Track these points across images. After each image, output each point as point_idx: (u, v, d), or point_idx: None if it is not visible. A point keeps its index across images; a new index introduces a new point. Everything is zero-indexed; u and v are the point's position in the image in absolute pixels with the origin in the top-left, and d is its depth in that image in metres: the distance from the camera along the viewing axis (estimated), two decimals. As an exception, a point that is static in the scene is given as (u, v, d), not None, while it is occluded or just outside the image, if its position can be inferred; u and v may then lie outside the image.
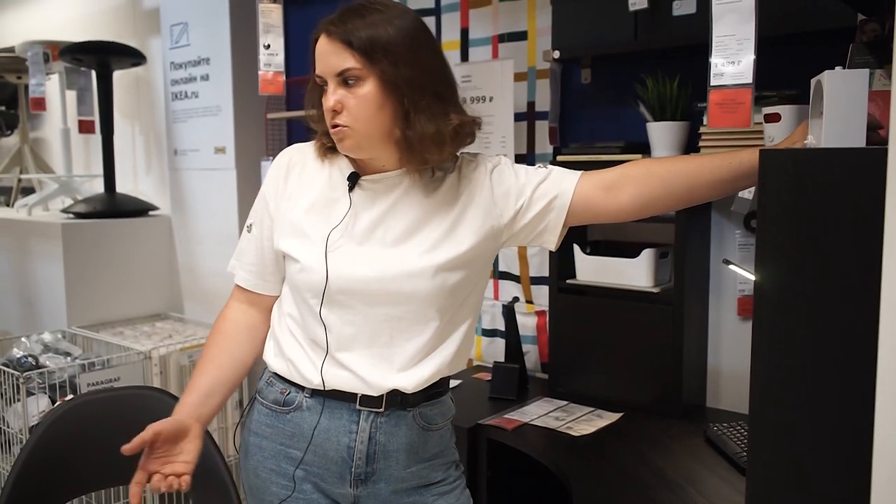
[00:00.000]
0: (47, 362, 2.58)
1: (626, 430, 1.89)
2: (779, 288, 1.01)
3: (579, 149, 2.09)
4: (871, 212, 0.90)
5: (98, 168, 3.48)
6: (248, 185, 3.01)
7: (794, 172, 0.98)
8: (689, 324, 1.96)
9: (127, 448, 1.20)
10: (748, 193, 1.79)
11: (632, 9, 1.88)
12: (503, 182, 1.35)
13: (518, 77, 2.31)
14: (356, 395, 1.32)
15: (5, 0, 4.53)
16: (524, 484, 2.11)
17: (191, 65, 3.16)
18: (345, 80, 1.24)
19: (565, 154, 2.10)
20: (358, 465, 1.33)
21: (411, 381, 1.32)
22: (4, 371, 2.49)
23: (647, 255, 1.97)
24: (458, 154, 1.38)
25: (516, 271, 2.42)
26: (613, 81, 2.20)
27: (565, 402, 2.09)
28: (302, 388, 1.35)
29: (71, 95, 3.77)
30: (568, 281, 2.13)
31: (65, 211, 3.33)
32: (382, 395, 1.31)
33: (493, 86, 2.30)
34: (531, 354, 2.38)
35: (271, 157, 2.42)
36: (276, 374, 1.39)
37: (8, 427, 2.52)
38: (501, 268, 2.46)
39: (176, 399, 1.42)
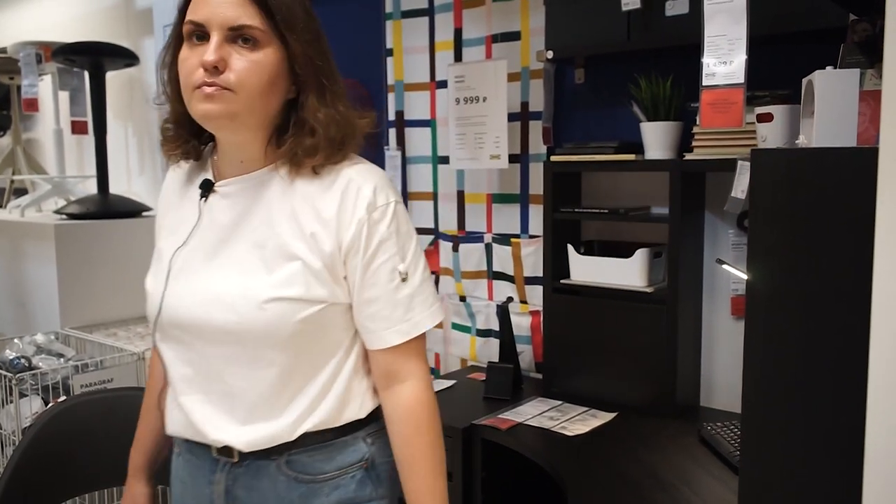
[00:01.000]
0: (40, 364, 2.57)
1: (620, 430, 1.89)
2: (771, 287, 1.01)
3: (573, 149, 2.09)
4: (862, 211, 0.90)
5: (91, 169, 3.47)
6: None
7: (786, 172, 0.99)
8: (683, 323, 1.96)
9: None
10: (741, 193, 1.79)
11: (625, 9, 1.89)
12: (366, 236, 1.09)
13: (511, 77, 2.31)
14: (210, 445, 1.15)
15: (-3, 1, 4.51)
16: (519, 484, 2.11)
17: (184, 65, 3.15)
18: (237, 37, 1.04)
19: (559, 154, 2.11)
20: None
21: (246, 437, 1.11)
22: (-3, 373, 2.48)
23: (640, 254, 1.98)
24: (342, 161, 1.13)
25: (510, 271, 2.42)
26: (607, 81, 2.20)
27: (560, 402, 2.09)
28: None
29: (64, 96, 3.75)
30: (562, 281, 2.13)
31: (58, 212, 3.31)
32: (225, 447, 1.14)
33: (486, 86, 2.30)
34: (525, 354, 2.38)
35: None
36: None
37: (1, 429, 2.51)
38: (496, 268, 2.46)
39: None
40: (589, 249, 2.17)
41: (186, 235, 1.14)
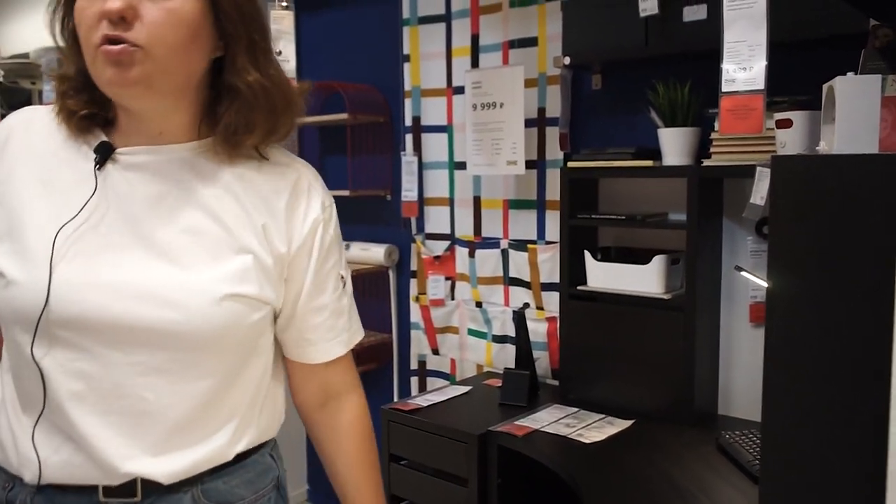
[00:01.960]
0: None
1: (637, 438, 1.88)
2: (791, 294, 1.00)
3: (590, 155, 2.08)
4: (883, 217, 0.89)
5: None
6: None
7: (807, 179, 0.98)
8: (701, 331, 1.95)
9: None
10: (760, 200, 1.78)
11: (642, 15, 1.88)
12: (320, 237, 0.99)
13: (528, 83, 2.31)
14: (96, 486, 0.89)
15: (20, 7, 4.57)
16: (534, 491, 2.10)
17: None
18: None
19: (576, 160, 2.10)
20: None
21: (169, 467, 0.90)
22: None
23: (658, 261, 1.97)
24: (284, 138, 0.99)
25: (527, 277, 2.42)
26: (624, 87, 2.20)
27: (576, 409, 2.08)
28: (21, 478, 0.91)
29: (84, 102, 3.79)
30: (579, 287, 2.12)
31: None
32: (136, 480, 0.89)
33: (503, 92, 2.31)
34: (542, 361, 2.38)
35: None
36: None
37: None
38: (512, 274, 2.46)
39: None
40: (606, 256, 2.16)
41: (77, 209, 0.89)
